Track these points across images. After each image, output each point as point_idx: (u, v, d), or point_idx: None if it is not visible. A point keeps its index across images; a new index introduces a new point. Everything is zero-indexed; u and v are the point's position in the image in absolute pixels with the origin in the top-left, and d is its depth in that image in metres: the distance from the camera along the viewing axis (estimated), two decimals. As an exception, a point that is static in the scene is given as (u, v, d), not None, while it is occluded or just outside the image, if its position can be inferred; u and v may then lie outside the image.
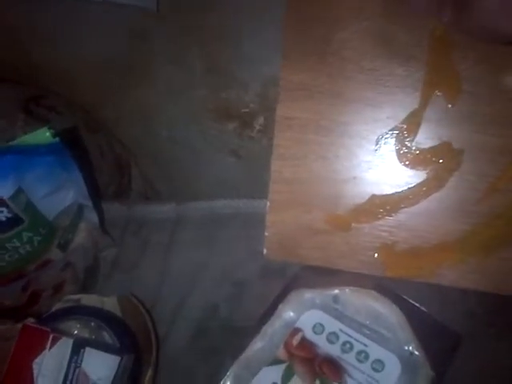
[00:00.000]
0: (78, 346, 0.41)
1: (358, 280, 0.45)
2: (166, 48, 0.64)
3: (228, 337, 0.47)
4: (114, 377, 0.41)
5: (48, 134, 0.39)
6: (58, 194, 0.44)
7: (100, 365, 0.41)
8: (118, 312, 0.46)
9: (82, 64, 0.68)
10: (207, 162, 0.72)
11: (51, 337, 0.41)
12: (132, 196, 0.71)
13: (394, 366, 0.41)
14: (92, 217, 0.48)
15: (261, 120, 0.64)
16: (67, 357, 0.41)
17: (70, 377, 0.41)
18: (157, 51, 0.64)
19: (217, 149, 0.70)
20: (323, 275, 0.46)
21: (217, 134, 0.69)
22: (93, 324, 0.45)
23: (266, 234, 0.47)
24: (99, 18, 0.64)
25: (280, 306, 0.44)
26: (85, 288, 0.50)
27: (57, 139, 0.40)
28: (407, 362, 0.41)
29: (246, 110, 0.64)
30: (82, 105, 0.70)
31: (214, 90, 0.64)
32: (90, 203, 0.47)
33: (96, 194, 0.49)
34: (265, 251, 0.47)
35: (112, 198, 0.66)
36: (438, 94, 0.43)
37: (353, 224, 0.46)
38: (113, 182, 0.66)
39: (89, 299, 0.47)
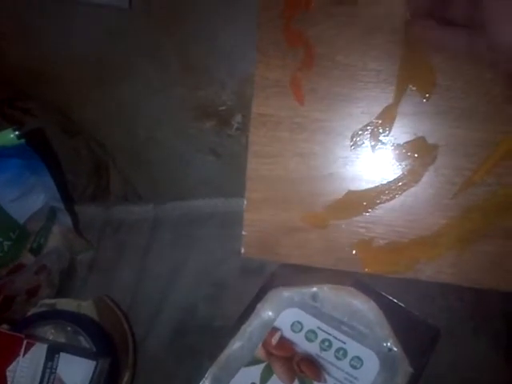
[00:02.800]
0: (53, 352, 0.40)
1: (336, 277, 0.45)
2: (141, 46, 0.63)
3: (206, 337, 0.46)
4: (90, 381, 0.40)
5: (12, 135, 0.38)
6: (28, 197, 0.43)
7: (75, 370, 0.40)
8: (94, 315, 0.46)
9: (57, 65, 0.67)
10: (187, 161, 0.72)
11: (25, 343, 0.40)
12: (111, 198, 0.70)
13: (372, 363, 0.41)
14: (66, 220, 0.48)
15: (238, 118, 0.64)
16: (42, 363, 0.40)
17: (45, 383, 0.40)
18: (132, 49, 0.64)
19: (196, 148, 0.70)
20: (301, 273, 0.46)
21: (195, 133, 0.68)
22: (69, 328, 0.44)
23: (244, 232, 0.47)
24: (73, 18, 0.63)
25: (258, 306, 0.44)
26: (61, 292, 0.49)
27: (22, 141, 0.39)
28: (385, 358, 0.41)
29: (224, 108, 0.63)
30: (59, 106, 0.69)
31: (191, 88, 0.64)
32: (62, 206, 0.46)
33: (69, 196, 0.48)
34: (243, 250, 0.47)
35: (90, 200, 0.65)
36: (412, 88, 0.43)
37: (330, 221, 0.46)
38: (91, 185, 0.65)
39: (64, 303, 0.46)
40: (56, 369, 0.40)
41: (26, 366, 0.40)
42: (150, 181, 0.75)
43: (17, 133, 0.38)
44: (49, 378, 0.40)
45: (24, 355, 0.40)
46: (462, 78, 0.42)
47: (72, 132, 0.66)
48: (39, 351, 0.40)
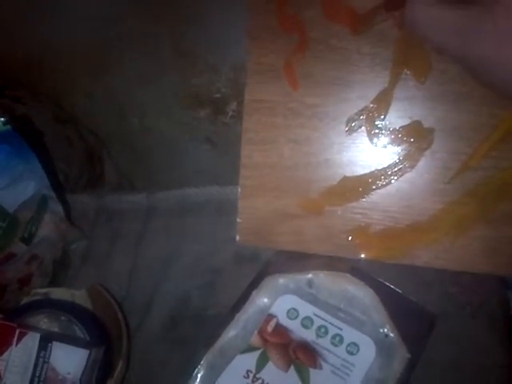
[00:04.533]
0: (46, 341, 0.40)
1: (332, 263, 0.45)
2: (133, 33, 0.62)
3: (201, 325, 0.46)
4: (84, 370, 0.40)
5: (-3, 121, 0.38)
6: (18, 185, 0.42)
7: (69, 359, 0.40)
8: (88, 304, 0.45)
9: (48, 53, 0.66)
10: (182, 150, 0.71)
11: (17, 332, 0.40)
12: (105, 187, 0.70)
13: (368, 349, 0.40)
14: (57, 209, 0.47)
15: (233, 105, 0.63)
16: (34, 352, 0.39)
17: (38, 372, 0.39)
18: (124, 37, 0.63)
19: (191, 136, 0.69)
20: (297, 260, 0.46)
21: (190, 122, 0.67)
22: (62, 318, 0.44)
23: (239, 220, 0.46)
24: (64, 7, 0.62)
25: (254, 293, 0.44)
26: (54, 281, 0.49)
27: (9, 127, 0.38)
28: (382, 344, 0.40)
29: (218, 96, 0.63)
30: (50, 95, 0.68)
31: (185, 75, 0.63)
32: (53, 194, 0.45)
33: (60, 184, 0.48)
34: (237, 238, 0.47)
35: (83, 189, 0.64)
36: (407, 72, 0.43)
37: (326, 207, 0.45)
38: (84, 173, 0.65)
39: (58, 292, 0.46)
40: (49, 358, 0.40)
41: (19, 355, 0.39)
42: (144, 170, 0.74)
43: (2, 119, 0.37)
44: (42, 367, 0.40)
45: (17, 344, 0.39)
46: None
47: (64, 120, 0.65)
48: (32, 340, 0.40)
